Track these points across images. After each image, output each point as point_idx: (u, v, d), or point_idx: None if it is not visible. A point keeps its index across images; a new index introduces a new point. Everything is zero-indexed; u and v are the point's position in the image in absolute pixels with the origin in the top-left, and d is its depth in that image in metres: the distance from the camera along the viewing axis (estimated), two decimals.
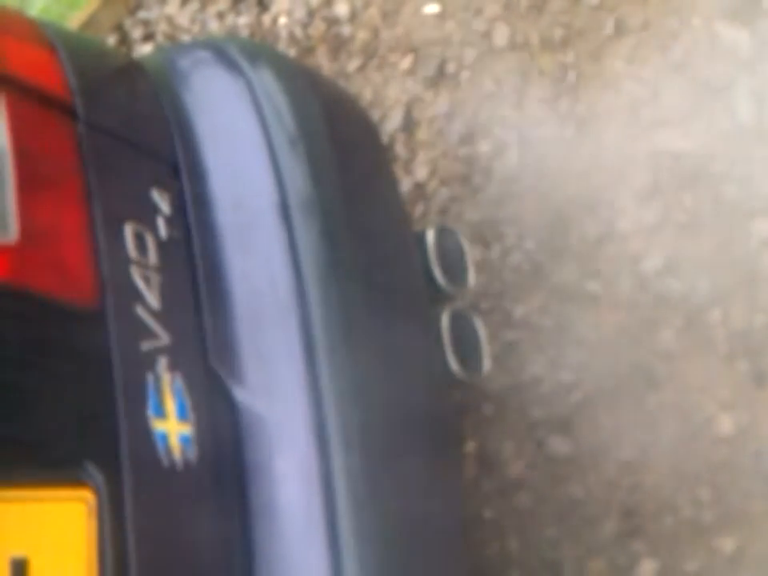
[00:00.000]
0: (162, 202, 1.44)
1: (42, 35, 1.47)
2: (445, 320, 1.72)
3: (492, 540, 2.09)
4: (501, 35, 2.27)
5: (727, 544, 1.83)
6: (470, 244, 1.90)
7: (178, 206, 1.46)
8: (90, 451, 1.21)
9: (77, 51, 1.50)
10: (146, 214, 1.41)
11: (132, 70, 1.65)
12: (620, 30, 2.12)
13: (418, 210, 2.32)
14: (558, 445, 2.06)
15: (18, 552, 1.13)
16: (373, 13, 2.49)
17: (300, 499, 1.35)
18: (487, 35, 2.29)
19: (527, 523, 2.07)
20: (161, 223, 1.42)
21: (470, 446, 2.16)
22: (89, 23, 2.84)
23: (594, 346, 2.03)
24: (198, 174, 1.50)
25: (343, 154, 1.60)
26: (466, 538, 1.63)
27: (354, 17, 2.53)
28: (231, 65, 1.60)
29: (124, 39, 2.90)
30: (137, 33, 2.87)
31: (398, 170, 2.35)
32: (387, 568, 1.36)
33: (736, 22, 1.96)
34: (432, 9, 2.40)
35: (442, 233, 1.80)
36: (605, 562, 1.96)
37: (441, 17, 2.38)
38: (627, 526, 1.94)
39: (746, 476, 1.83)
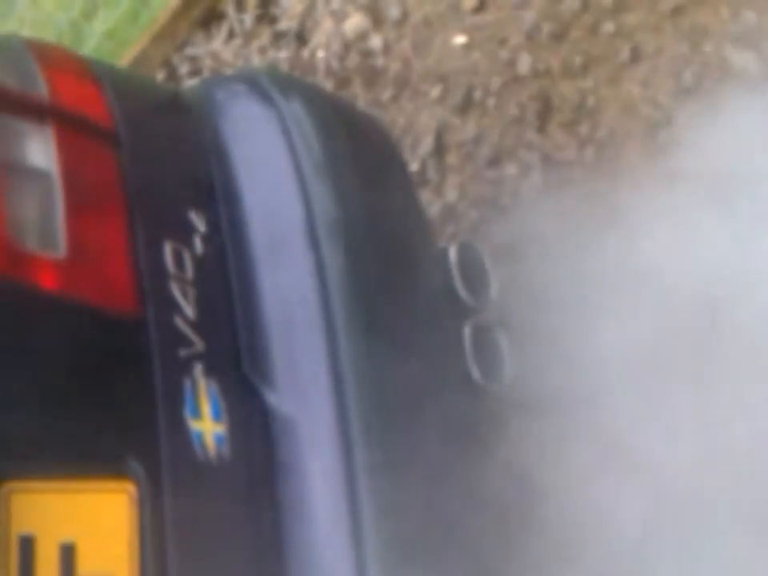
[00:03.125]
0: (199, 221, 1.55)
1: (89, 71, 1.60)
2: (467, 331, 1.81)
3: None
4: (524, 64, 2.38)
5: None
6: (497, 262, 1.99)
7: (214, 225, 1.57)
8: (132, 447, 1.31)
9: (121, 85, 1.63)
10: (184, 233, 1.52)
11: (172, 101, 1.78)
12: (635, 56, 2.22)
13: (449, 230, 2.42)
14: (583, 455, 2.13)
15: (67, 537, 1.24)
16: (405, 45, 2.61)
17: (325, 495, 1.44)
18: (511, 64, 2.40)
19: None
20: (197, 241, 1.53)
21: (499, 459, 2.23)
22: (139, 60, 2.99)
23: (616, 359, 2.11)
24: (232, 196, 1.61)
25: (367, 177, 1.70)
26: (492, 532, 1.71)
27: (387, 49, 2.65)
28: (263, 95, 1.71)
29: (172, 74, 3.04)
30: (184, 68, 3.01)
31: (430, 193, 2.45)
32: (407, 562, 1.45)
33: (744, 46, 2.05)
34: (460, 40, 2.52)
35: (465, 249, 1.89)
36: None
37: (468, 47, 2.50)
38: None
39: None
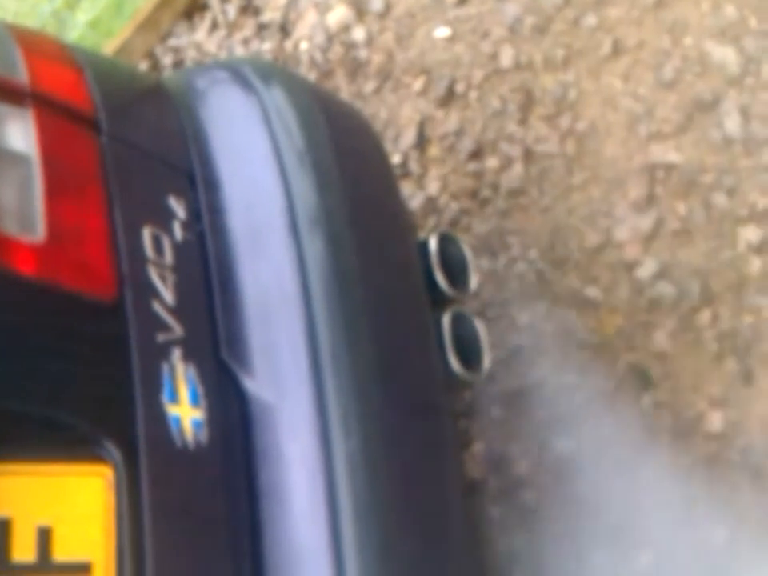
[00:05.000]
0: (179, 207, 1.55)
1: (71, 57, 1.60)
2: (446, 322, 1.82)
3: (499, 537, 2.18)
4: (506, 56, 2.39)
5: (718, 534, 1.91)
6: (477, 254, 2.00)
7: (194, 211, 1.57)
8: (110, 431, 1.31)
9: (102, 71, 1.63)
10: (163, 219, 1.52)
11: (154, 88, 1.78)
12: (617, 49, 2.24)
13: (430, 222, 2.43)
14: (561, 444, 2.15)
15: (44, 521, 1.23)
16: (388, 37, 2.62)
17: (303, 482, 1.44)
18: (494, 57, 2.41)
19: (532, 520, 2.16)
20: (177, 227, 1.53)
21: (478, 447, 2.25)
22: (122, 50, 2.98)
23: (594, 349, 2.13)
24: (212, 183, 1.61)
25: (348, 166, 1.71)
26: (467, 526, 1.73)
27: (370, 41, 2.65)
28: (244, 83, 1.71)
29: (155, 65, 3.04)
30: (167, 59, 3.01)
31: (412, 185, 2.46)
32: (384, 546, 1.46)
33: (724, 40, 2.07)
34: (443, 32, 2.53)
35: (444, 239, 1.90)
36: (606, 555, 2.04)
37: (451, 40, 2.51)
38: (626, 520, 2.03)
39: (734, 469, 1.91)
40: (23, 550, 1.22)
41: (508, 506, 2.19)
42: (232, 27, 2.91)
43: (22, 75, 1.49)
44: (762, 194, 2.01)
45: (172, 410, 1.39)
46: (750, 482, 1.90)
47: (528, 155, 2.31)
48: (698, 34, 2.12)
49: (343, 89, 2.65)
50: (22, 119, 1.45)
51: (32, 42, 1.61)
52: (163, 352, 1.42)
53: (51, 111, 1.47)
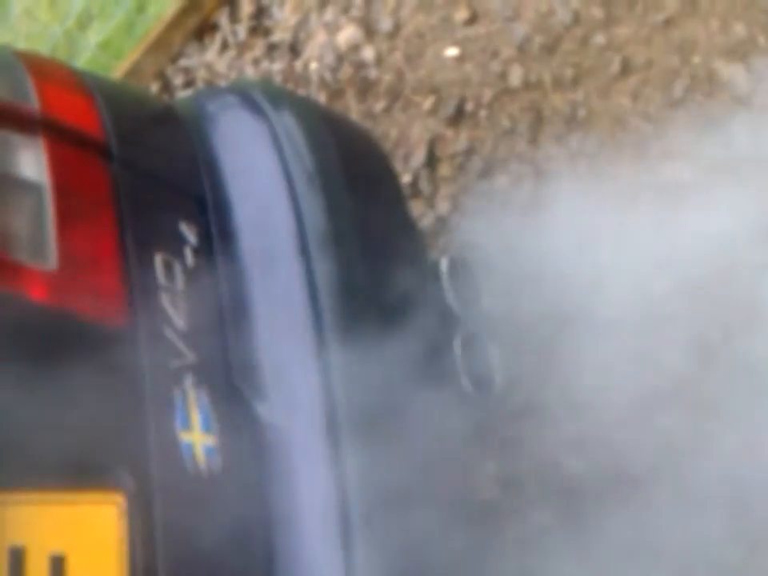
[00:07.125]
0: (190, 233, 1.56)
1: (81, 83, 1.61)
2: (458, 342, 1.82)
3: (514, 557, 2.17)
4: (516, 76, 2.40)
5: (735, 555, 1.90)
6: (488, 274, 2.00)
7: (205, 236, 1.58)
8: (122, 459, 1.32)
9: (113, 97, 1.64)
10: (175, 245, 1.53)
11: (165, 113, 1.79)
12: (626, 68, 2.24)
13: (441, 241, 2.43)
14: (573, 464, 2.14)
15: (57, 549, 1.24)
16: (397, 57, 2.63)
17: (315, 506, 1.45)
18: (503, 76, 2.42)
19: (547, 540, 2.15)
20: (188, 253, 1.54)
21: (491, 467, 2.25)
22: (132, 72, 3.00)
23: (605, 369, 2.12)
24: (223, 208, 1.62)
25: (358, 189, 1.71)
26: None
27: (380, 61, 2.66)
28: (255, 108, 1.73)
29: (166, 86, 3.06)
30: (178, 80, 3.03)
31: (422, 205, 2.46)
32: (397, 573, 1.46)
33: (733, 59, 2.07)
34: (452, 52, 2.53)
35: (456, 260, 1.90)
36: (622, 574, 2.03)
37: (460, 59, 2.51)
38: (641, 539, 2.02)
39: (749, 490, 1.90)
40: None
41: (522, 526, 2.18)
42: (242, 47, 2.92)
43: (32, 103, 1.51)
44: None
45: (184, 437, 1.39)
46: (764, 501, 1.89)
47: (538, 174, 2.31)
48: (707, 53, 2.12)
49: (353, 108, 2.66)
50: (33, 147, 1.46)
51: (42, 69, 1.62)
52: (175, 378, 1.42)
53: (62, 138, 1.48)
